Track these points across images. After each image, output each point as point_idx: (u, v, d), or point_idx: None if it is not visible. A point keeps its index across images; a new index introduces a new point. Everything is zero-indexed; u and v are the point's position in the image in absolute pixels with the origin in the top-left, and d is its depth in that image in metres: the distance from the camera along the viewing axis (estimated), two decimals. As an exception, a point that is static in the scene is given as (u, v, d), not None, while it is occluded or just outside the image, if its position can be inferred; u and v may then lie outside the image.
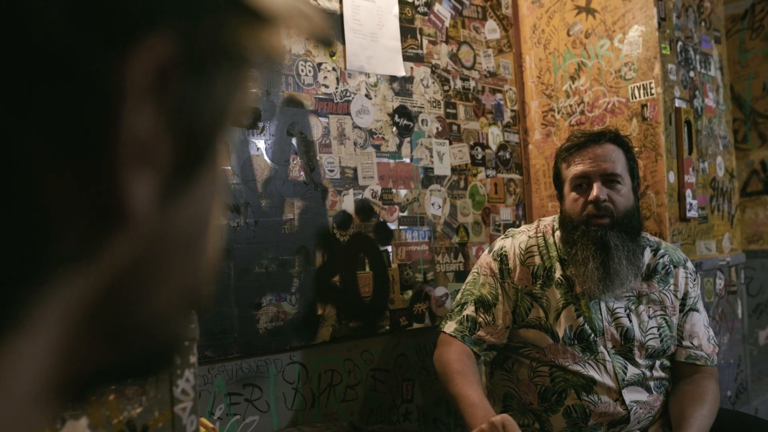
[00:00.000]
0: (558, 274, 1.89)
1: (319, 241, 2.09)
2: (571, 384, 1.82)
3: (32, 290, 0.23)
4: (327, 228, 2.12)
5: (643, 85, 2.41)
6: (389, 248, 2.28)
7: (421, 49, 2.43)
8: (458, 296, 1.99)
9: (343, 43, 2.20)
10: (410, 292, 2.33)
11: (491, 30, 2.71)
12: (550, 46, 2.70)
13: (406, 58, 2.38)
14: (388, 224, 2.29)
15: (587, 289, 1.83)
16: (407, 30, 2.38)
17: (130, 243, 0.26)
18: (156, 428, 1.13)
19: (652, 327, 1.87)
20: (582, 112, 2.59)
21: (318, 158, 2.11)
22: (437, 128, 2.46)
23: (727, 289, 2.70)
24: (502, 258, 1.95)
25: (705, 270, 2.50)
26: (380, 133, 2.28)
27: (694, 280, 1.97)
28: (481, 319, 1.89)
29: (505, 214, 2.68)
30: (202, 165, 0.29)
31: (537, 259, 1.93)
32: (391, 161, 2.31)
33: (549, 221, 2.01)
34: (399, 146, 2.33)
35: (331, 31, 2.14)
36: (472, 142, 2.58)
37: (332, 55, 2.16)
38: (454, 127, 2.52)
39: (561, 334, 1.84)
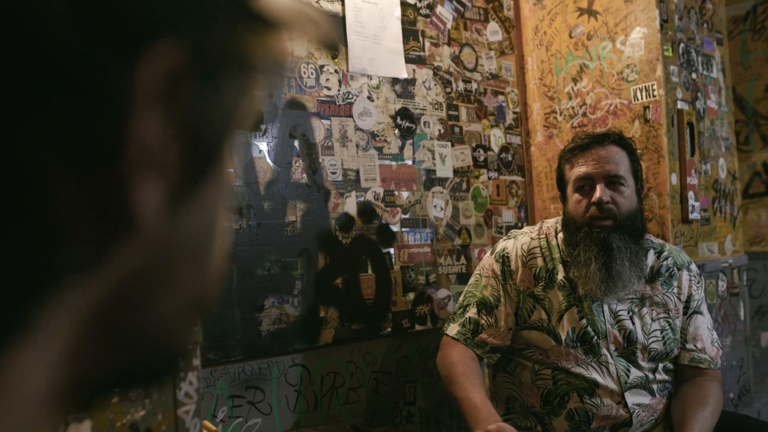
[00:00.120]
0: (561, 276, 1.89)
1: (321, 244, 2.09)
2: (573, 387, 1.82)
3: (42, 298, 0.23)
4: (329, 230, 2.12)
5: (645, 87, 2.41)
6: (391, 250, 2.28)
7: (423, 51, 2.43)
8: (461, 298, 1.99)
9: (345, 45, 2.20)
10: (412, 295, 2.33)
11: (493, 32, 2.71)
12: (552, 47, 2.70)
13: (408, 60, 2.38)
14: (391, 226, 2.28)
15: (589, 290, 1.82)
16: (409, 32, 2.38)
17: (138, 251, 0.26)
18: (159, 431, 1.13)
19: (655, 330, 1.86)
20: (584, 114, 2.59)
21: (320, 160, 2.11)
22: (439, 130, 2.46)
23: (729, 291, 2.70)
24: (504, 259, 1.94)
25: (707, 272, 2.50)
26: (382, 135, 2.28)
27: (698, 282, 1.96)
28: (483, 321, 1.89)
29: (507, 216, 2.68)
30: (210, 172, 0.29)
31: (539, 261, 1.92)
32: (394, 163, 2.31)
33: (552, 223, 2.01)
34: (401, 148, 2.33)
35: (337, 37, 2.16)
36: (474, 144, 2.58)
37: (334, 57, 2.16)
38: (456, 129, 2.52)
39: (564, 336, 1.84)
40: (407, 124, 2.36)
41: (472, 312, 1.91)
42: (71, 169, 0.23)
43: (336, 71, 2.17)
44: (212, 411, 1.84)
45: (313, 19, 0.33)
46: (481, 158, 2.60)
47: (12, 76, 0.21)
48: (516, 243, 1.96)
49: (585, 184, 1.86)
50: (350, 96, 2.20)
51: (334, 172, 2.14)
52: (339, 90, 2.17)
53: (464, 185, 2.53)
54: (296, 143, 2.05)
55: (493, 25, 2.71)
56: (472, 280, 2.00)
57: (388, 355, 2.27)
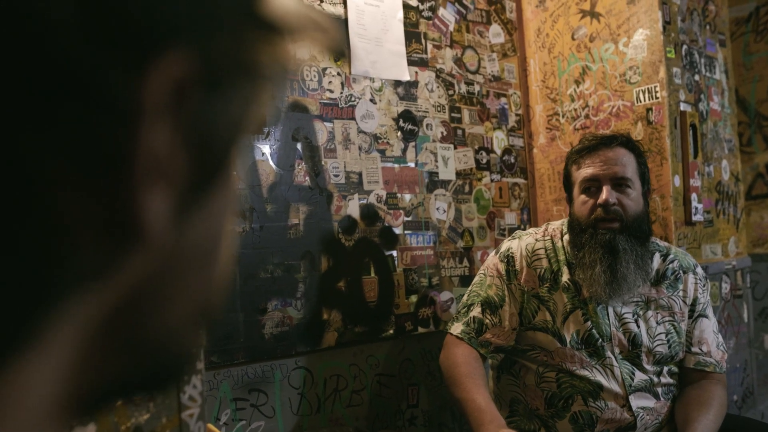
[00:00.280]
0: (565, 278, 1.89)
1: (324, 246, 2.09)
2: (578, 390, 1.81)
3: (49, 308, 0.23)
4: (332, 233, 2.12)
5: (648, 88, 2.41)
6: (394, 253, 2.28)
7: (426, 53, 2.43)
8: (465, 297, 1.98)
9: (348, 47, 2.20)
10: (415, 297, 2.33)
11: (495, 34, 2.71)
12: (555, 50, 2.70)
13: (411, 62, 2.38)
14: (393, 229, 2.28)
15: (594, 292, 1.82)
16: (412, 34, 2.38)
17: (145, 259, 0.26)
18: (163, 435, 1.13)
19: (660, 333, 1.86)
20: (587, 116, 2.59)
21: (323, 163, 2.11)
22: (442, 132, 2.46)
23: (732, 293, 2.70)
24: (508, 259, 1.94)
25: (711, 274, 2.50)
26: (385, 138, 2.28)
27: (704, 286, 1.95)
28: (487, 321, 1.89)
29: (510, 218, 2.68)
30: (217, 179, 0.28)
31: (544, 262, 1.92)
32: (396, 166, 2.31)
33: (557, 225, 2.00)
34: (404, 151, 2.33)
35: (343, 42, 2.16)
36: (476, 147, 2.58)
37: (337, 60, 2.16)
38: (459, 132, 2.52)
39: (568, 338, 1.83)
40: (410, 126, 2.36)
41: (476, 311, 1.90)
42: (78, 177, 0.23)
43: (338, 74, 2.17)
44: (216, 414, 1.84)
45: (319, 25, 0.33)
46: (484, 160, 2.60)
47: (13, 76, 0.21)
48: (521, 243, 1.96)
49: (591, 186, 1.85)
50: (353, 98, 2.20)
51: (337, 175, 2.14)
52: (341, 93, 2.17)
53: (467, 187, 2.53)
54: (299, 146, 2.05)
55: (495, 28, 2.70)
56: (476, 279, 2.00)
57: (390, 357, 2.27)
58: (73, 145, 0.22)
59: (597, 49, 2.55)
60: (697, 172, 2.45)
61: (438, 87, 2.46)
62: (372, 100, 2.25)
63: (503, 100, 2.71)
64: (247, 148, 1.93)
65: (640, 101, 2.43)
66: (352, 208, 2.17)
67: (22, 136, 0.21)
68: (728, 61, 2.84)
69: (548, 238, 1.96)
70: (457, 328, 1.91)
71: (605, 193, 1.81)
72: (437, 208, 2.42)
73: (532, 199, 2.78)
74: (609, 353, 1.82)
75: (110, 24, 0.23)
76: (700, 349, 1.89)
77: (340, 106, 2.16)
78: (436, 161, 2.43)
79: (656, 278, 1.91)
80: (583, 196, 1.87)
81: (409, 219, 2.33)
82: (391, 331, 2.25)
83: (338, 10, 2.18)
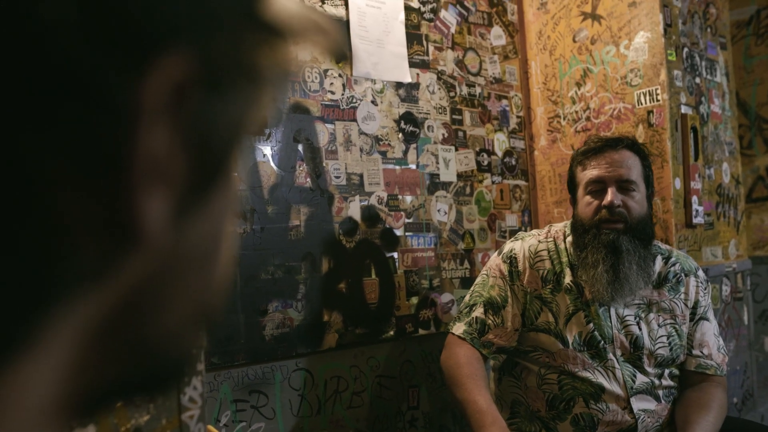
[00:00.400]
0: (568, 279, 1.89)
1: (325, 248, 2.09)
2: (579, 392, 1.81)
3: (48, 308, 0.23)
4: (333, 234, 2.12)
5: (649, 91, 2.41)
6: (395, 254, 2.28)
7: (427, 55, 2.43)
8: (467, 297, 1.98)
9: (349, 49, 2.20)
10: (416, 299, 2.33)
11: (497, 36, 2.71)
12: (556, 52, 2.70)
13: (412, 64, 2.38)
14: (394, 230, 2.28)
15: (596, 292, 1.81)
16: (413, 36, 2.39)
17: (144, 261, 0.26)
18: (164, 436, 1.13)
19: (662, 336, 1.86)
20: (588, 119, 2.59)
21: (324, 165, 2.11)
22: (443, 134, 2.46)
23: (733, 295, 2.70)
24: (511, 260, 1.94)
25: (711, 277, 2.50)
26: (386, 140, 2.28)
27: (705, 289, 1.96)
28: (490, 321, 1.89)
29: (511, 220, 2.68)
30: (217, 181, 0.29)
31: (547, 264, 1.92)
32: (397, 167, 2.31)
33: (560, 227, 2.00)
34: (405, 152, 2.33)
35: (345, 44, 2.16)
36: (477, 149, 2.58)
37: (338, 62, 2.16)
38: (460, 134, 2.52)
39: (570, 339, 1.83)
40: (411, 128, 2.36)
41: (478, 311, 1.90)
42: (77, 178, 0.23)
43: (340, 75, 2.17)
44: (216, 415, 1.84)
45: (321, 28, 0.33)
46: (485, 162, 2.60)
47: (13, 76, 0.21)
48: (523, 244, 1.96)
49: (596, 187, 1.85)
50: (354, 100, 2.20)
51: (338, 177, 2.14)
52: (343, 94, 2.17)
53: (468, 189, 2.53)
54: (300, 147, 2.05)
55: (496, 30, 2.71)
56: (478, 280, 1.99)
57: (391, 359, 2.27)
58: (72, 145, 0.22)
59: (598, 51, 2.55)
60: (697, 175, 2.45)
61: (439, 89, 2.46)
62: (373, 102, 2.25)
63: (504, 102, 2.71)
64: (249, 150, 1.93)
65: (641, 104, 2.43)
66: (353, 209, 2.17)
67: (22, 136, 0.21)
68: (729, 64, 2.84)
69: (551, 239, 1.96)
70: (459, 329, 1.91)
71: (610, 195, 1.81)
72: (438, 210, 2.42)
73: (533, 201, 2.78)
74: (611, 355, 1.82)
75: (110, 24, 0.23)
76: (701, 352, 1.89)
77: (341, 107, 2.16)
78: (437, 163, 2.43)
79: (658, 281, 1.91)
80: (587, 198, 1.87)
81: (410, 221, 2.33)
82: (392, 333, 2.25)
83: (340, 11, 2.18)
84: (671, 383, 1.87)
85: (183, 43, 0.25)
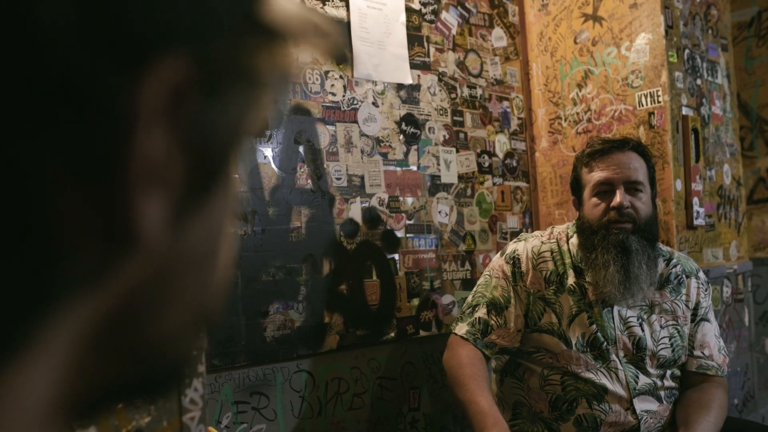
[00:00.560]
0: (571, 281, 1.89)
1: (326, 249, 2.09)
2: (582, 393, 1.81)
3: (45, 312, 0.23)
4: (334, 236, 2.12)
5: (650, 92, 2.41)
6: (396, 256, 2.28)
7: (428, 56, 2.43)
8: (469, 298, 1.98)
9: (350, 51, 2.20)
10: (417, 300, 2.33)
11: (498, 38, 2.71)
12: (557, 53, 2.70)
13: (413, 65, 2.38)
14: (395, 232, 2.28)
15: (607, 292, 1.81)
16: (414, 38, 2.39)
17: (142, 262, 0.26)
18: (165, 438, 1.13)
19: (664, 337, 1.86)
20: (589, 120, 2.59)
21: (325, 166, 2.11)
22: (444, 136, 2.46)
23: (734, 297, 2.70)
24: (514, 261, 1.94)
25: (712, 278, 2.50)
26: (387, 141, 2.28)
27: (706, 290, 1.97)
28: (493, 322, 1.89)
29: (512, 221, 2.68)
30: (216, 183, 0.28)
31: (550, 265, 1.92)
32: (398, 169, 2.31)
33: (563, 228, 2.01)
34: (406, 154, 2.33)
35: (345, 46, 2.16)
36: (479, 150, 2.58)
37: (339, 63, 2.16)
38: (461, 135, 2.52)
39: (574, 340, 1.84)
40: (412, 129, 2.36)
41: (481, 312, 1.90)
42: (74, 182, 0.23)
43: (341, 77, 2.17)
44: (217, 417, 1.84)
45: (322, 30, 0.33)
46: (486, 164, 2.60)
47: (12, 78, 0.21)
48: (526, 245, 1.96)
49: (604, 189, 1.86)
50: (355, 102, 2.20)
51: (339, 178, 2.14)
52: (344, 96, 2.17)
53: (469, 191, 2.53)
54: (301, 149, 2.05)
55: (497, 31, 2.71)
56: (481, 280, 1.99)
57: (392, 360, 2.27)
58: (71, 147, 0.22)
59: (599, 52, 2.55)
60: (698, 176, 2.45)
61: (440, 90, 2.46)
62: (374, 104, 2.25)
63: (505, 103, 2.71)
64: (249, 151, 1.93)
65: (642, 105, 2.43)
66: (354, 211, 2.17)
67: (20, 138, 0.21)
68: (730, 65, 2.84)
69: (554, 240, 1.96)
70: (461, 329, 1.90)
71: (619, 197, 1.81)
72: (439, 212, 2.42)
73: (534, 203, 2.78)
74: (614, 356, 1.83)
75: (108, 26, 0.22)
76: (702, 353, 1.89)
77: (342, 109, 2.16)
78: (438, 164, 2.43)
79: (660, 282, 1.92)
80: (594, 199, 1.87)
81: (411, 222, 2.33)
82: (393, 335, 2.25)
83: (341, 13, 2.18)
84: (673, 384, 1.87)
85: (181, 45, 0.24)
